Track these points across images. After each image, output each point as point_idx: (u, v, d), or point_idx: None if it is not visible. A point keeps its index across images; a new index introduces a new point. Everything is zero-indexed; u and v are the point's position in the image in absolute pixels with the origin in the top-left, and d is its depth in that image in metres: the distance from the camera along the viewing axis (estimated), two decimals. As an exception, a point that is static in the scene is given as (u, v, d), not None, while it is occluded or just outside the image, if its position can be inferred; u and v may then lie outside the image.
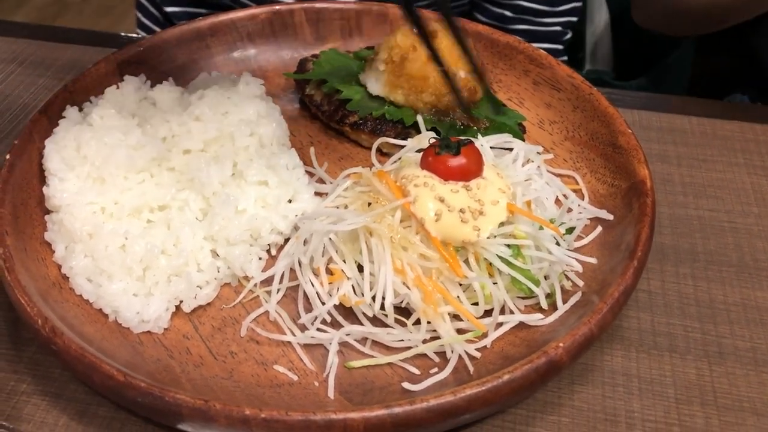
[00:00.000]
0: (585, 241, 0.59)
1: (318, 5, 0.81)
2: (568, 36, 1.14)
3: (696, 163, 0.74)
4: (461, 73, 0.65)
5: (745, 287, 0.61)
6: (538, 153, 0.62)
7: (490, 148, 0.61)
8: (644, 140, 0.75)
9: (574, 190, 0.64)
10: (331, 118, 0.70)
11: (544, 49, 1.06)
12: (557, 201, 0.62)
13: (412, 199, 0.53)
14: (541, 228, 0.55)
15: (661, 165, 0.73)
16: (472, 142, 0.56)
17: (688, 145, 0.76)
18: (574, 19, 1.11)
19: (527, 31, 1.08)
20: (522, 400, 0.50)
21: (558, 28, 1.10)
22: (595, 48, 1.45)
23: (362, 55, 0.73)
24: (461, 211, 0.52)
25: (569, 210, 0.60)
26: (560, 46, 1.13)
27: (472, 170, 0.54)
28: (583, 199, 0.63)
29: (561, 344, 0.47)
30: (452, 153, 0.54)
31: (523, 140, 0.66)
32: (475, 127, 0.67)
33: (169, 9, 1.08)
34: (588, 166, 0.67)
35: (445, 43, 0.64)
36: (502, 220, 0.53)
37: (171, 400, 0.44)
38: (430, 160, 0.55)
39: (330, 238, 0.54)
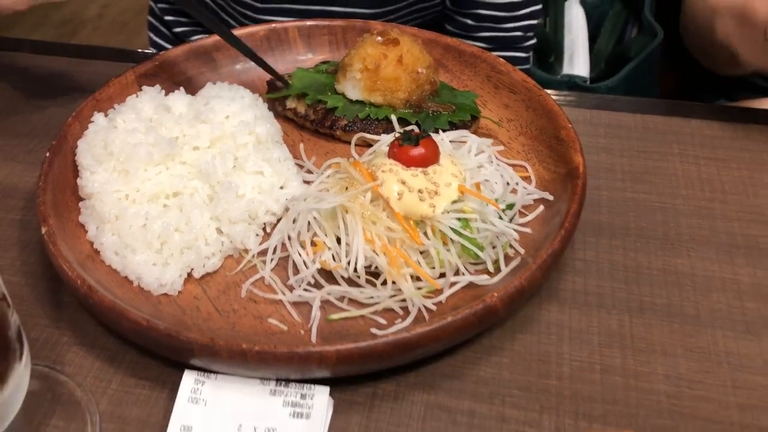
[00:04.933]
0: (529, 218, 0.71)
1: (309, 23, 0.94)
2: (532, 42, 1.23)
3: (636, 154, 0.85)
4: (421, 69, 0.77)
5: (668, 256, 0.72)
6: (488, 146, 0.73)
7: (450, 141, 0.73)
8: (592, 135, 0.87)
9: (525, 177, 0.76)
10: (321, 125, 0.81)
11: (510, 57, 1.17)
12: (512, 188, 0.73)
13: (380, 183, 0.64)
14: (487, 205, 0.66)
15: (606, 156, 0.84)
16: (429, 135, 0.67)
17: (630, 139, 0.87)
18: (534, 22, 1.18)
19: (491, 38, 1.17)
20: (465, 339, 0.61)
21: (519, 33, 1.18)
22: (573, 55, 1.56)
23: (322, 69, 0.85)
24: (420, 191, 0.64)
25: (514, 191, 0.71)
26: (524, 54, 1.22)
27: (429, 158, 0.66)
28: (530, 184, 0.75)
29: (496, 294, 0.59)
30: (413, 144, 0.66)
31: (479, 113, 0.80)
32: (445, 112, 0.79)
33: (177, 30, 1.21)
34: (537, 157, 0.78)
35: (407, 46, 0.76)
36: (454, 199, 0.65)
37: (185, 339, 0.56)
38: (394, 150, 0.67)
39: (314, 217, 0.66)
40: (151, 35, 1.27)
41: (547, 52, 1.54)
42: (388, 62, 0.78)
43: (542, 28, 1.57)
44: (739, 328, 0.65)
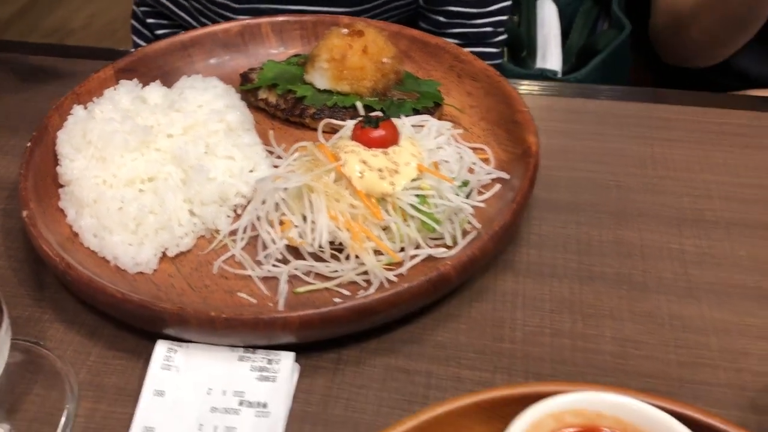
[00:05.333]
0: (486, 195, 0.75)
1: (281, 18, 0.98)
2: (503, 37, 1.27)
3: (594, 137, 0.89)
4: (386, 59, 0.81)
5: (619, 229, 0.76)
6: (447, 129, 0.77)
7: (411, 125, 0.77)
8: (552, 120, 0.91)
9: (484, 158, 0.80)
10: (291, 113, 0.86)
11: (482, 52, 1.22)
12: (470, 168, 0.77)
13: (343, 163, 0.68)
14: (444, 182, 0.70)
15: (565, 139, 0.88)
16: (389, 119, 0.71)
17: (589, 123, 0.91)
18: (504, 18, 1.22)
19: (463, 34, 1.22)
20: (421, 305, 0.65)
21: (489, 28, 1.23)
22: (546, 50, 1.61)
23: (293, 62, 0.89)
24: (380, 170, 0.68)
25: (471, 170, 0.75)
26: (495, 49, 1.26)
27: (389, 140, 0.70)
28: (489, 165, 0.79)
29: (449, 262, 0.63)
30: (373, 127, 0.70)
31: (442, 100, 0.84)
32: (409, 100, 0.83)
33: (159, 32, 1.25)
34: (495, 140, 0.82)
35: (371, 37, 0.80)
36: (413, 177, 0.69)
37: (157, 308, 0.60)
38: (357, 133, 0.71)
39: (282, 198, 0.70)
40: (135, 38, 1.31)
41: (520, 47, 1.59)
42: (353, 52, 0.82)
43: (513, 24, 1.61)
44: (683, 293, 0.69)
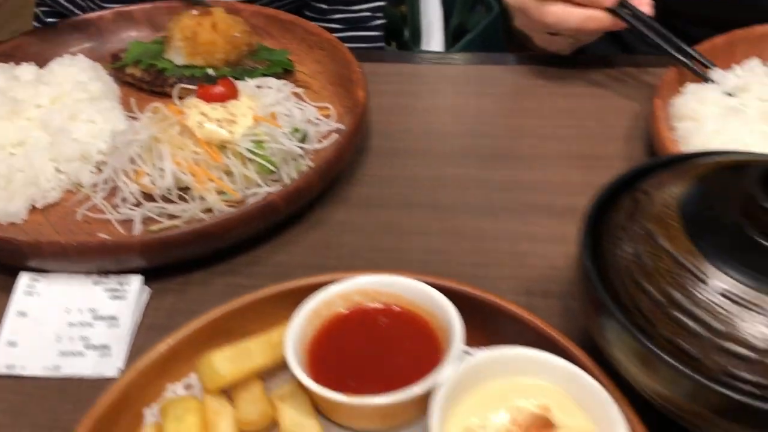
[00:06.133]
0: (325, 143, 0.86)
1: (149, 6, 1.08)
2: (382, 21, 1.39)
3: (429, 95, 1.01)
4: (236, 33, 0.92)
5: (439, 167, 0.88)
6: (285, 85, 0.89)
7: (256, 86, 0.88)
8: (390, 83, 1.02)
9: (327, 114, 0.91)
10: (154, 84, 0.96)
11: (363, 36, 1.34)
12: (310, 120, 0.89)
13: (185, 116, 0.79)
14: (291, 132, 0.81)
15: (407, 98, 1.00)
16: (228, 78, 0.82)
17: (425, 84, 1.04)
18: (381, 3, 1.35)
19: (344, 19, 1.34)
20: (255, 230, 0.75)
21: (368, 13, 1.35)
22: (429, 33, 1.74)
23: (157, 41, 1.00)
24: (218, 120, 0.78)
25: (310, 121, 0.87)
26: (375, 33, 1.38)
27: (227, 95, 0.81)
28: (330, 119, 0.90)
29: (276, 193, 0.74)
30: (212, 84, 0.81)
31: (292, 67, 0.95)
32: (260, 67, 0.94)
33: (49, 20, 1.33)
34: (338, 99, 0.94)
35: (220, 16, 0.91)
36: (250, 126, 0.80)
37: (15, 242, 0.69)
38: (199, 91, 0.81)
39: (137, 153, 0.80)
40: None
41: (402, 31, 1.72)
42: (203, 29, 0.93)
43: (393, 10, 1.75)
44: (484, 212, 0.81)
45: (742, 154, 0.58)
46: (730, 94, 0.86)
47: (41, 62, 0.98)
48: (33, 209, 0.80)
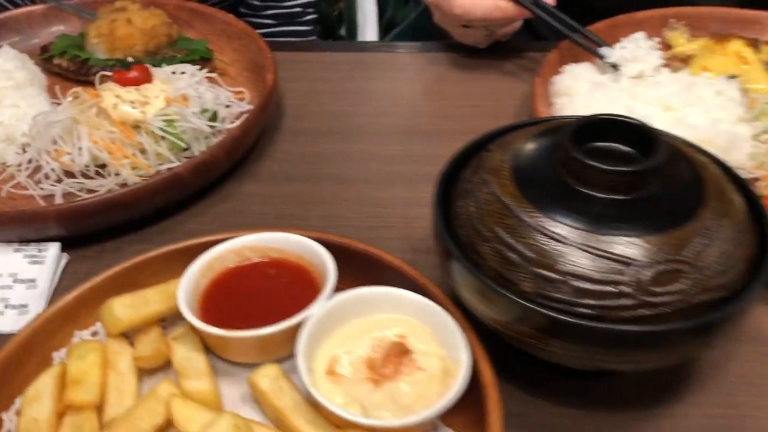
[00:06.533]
0: (236, 123, 0.93)
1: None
2: (313, 16, 1.47)
3: (342, 81, 1.09)
4: (153, 25, 0.99)
5: (347, 144, 0.96)
6: (198, 71, 0.96)
7: (171, 72, 0.94)
8: (310, 70, 1.10)
9: (242, 98, 0.99)
10: (79, 74, 1.02)
11: (295, 30, 1.41)
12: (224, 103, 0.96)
13: (102, 98, 0.85)
14: (200, 112, 0.89)
15: (322, 83, 1.08)
16: (142, 64, 0.89)
17: (340, 71, 1.11)
18: None
19: (276, 15, 1.41)
20: (164, 200, 0.82)
21: (299, 9, 1.43)
22: (365, 26, 1.82)
23: (83, 34, 1.06)
24: (132, 102, 0.85)
25: (225, 105, 0.94)
26: (306, 27, 1.45)
27: (141, 79, 0.88)
28: (243, 101, 0.98)
29: (182, 165, 0.81)
30: (126, 70, 0.87)
31: (210, 55, 1.02)
32: (179, 56, 1.01)
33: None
34: (253, 84, 1.01)
35: (134, 10, 0.98)
36: (162, 107, 0.87)
37: (-61, 214, 0.75)
38: (115, 76, 0.88)
39: (59, 134, 0.86)
40: None
41: (336, 25, 1.80)
42: (118, 25, 0.99)
43: (328, 9, 1.83)
44: (383, 183, 0.89)
45: (575, 117, 0.66)
46: (615, 66, 0.95)
47: (-28, 56, 1.04)
48: (-41, 188, 0.86)
